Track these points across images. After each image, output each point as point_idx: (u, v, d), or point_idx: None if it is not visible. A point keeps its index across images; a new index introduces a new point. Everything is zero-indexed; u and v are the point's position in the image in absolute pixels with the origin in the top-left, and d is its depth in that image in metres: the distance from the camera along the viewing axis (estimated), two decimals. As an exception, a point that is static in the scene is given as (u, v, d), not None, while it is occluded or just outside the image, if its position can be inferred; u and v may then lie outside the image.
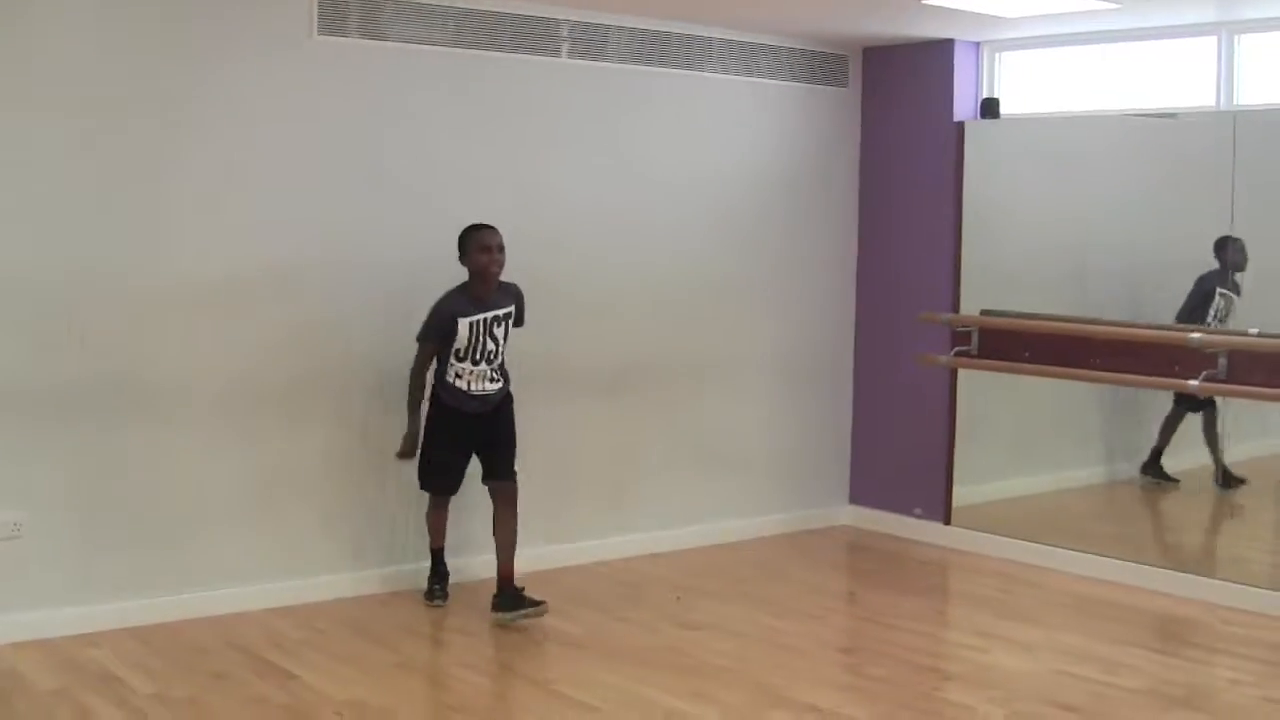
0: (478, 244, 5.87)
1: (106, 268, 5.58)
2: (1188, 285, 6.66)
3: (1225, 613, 6.18)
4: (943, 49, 7.33)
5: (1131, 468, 7.16)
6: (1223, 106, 6.53)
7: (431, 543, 6.24)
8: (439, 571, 6.23)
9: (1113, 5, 6.10)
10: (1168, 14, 6.41)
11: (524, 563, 6.05)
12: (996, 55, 7.37)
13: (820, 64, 7.59)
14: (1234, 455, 6.73)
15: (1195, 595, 6.38)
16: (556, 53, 6.65)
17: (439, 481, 6.11)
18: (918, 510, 7.57)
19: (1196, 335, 6.27)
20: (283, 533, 6.06)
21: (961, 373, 7.36)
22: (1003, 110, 7.31)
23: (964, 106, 7.35)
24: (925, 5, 6.23)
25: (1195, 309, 6.60)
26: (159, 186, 5.68)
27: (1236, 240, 6.42)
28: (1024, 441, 7.53)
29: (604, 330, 6.96)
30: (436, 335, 5.87)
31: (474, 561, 6.36)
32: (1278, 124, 6.41)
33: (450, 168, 6.40)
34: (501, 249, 5.89)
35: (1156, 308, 6.73)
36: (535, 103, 6.62)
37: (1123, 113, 6.94)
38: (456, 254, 5.90)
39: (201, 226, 5.79)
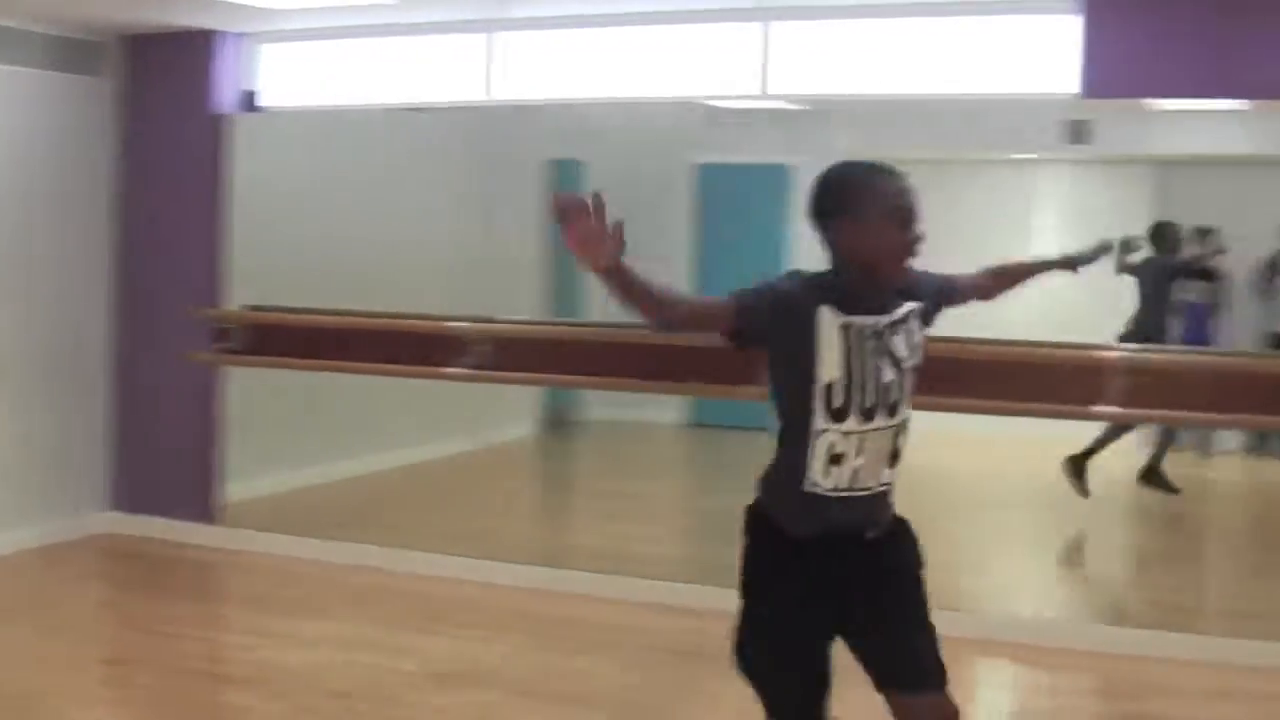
0: (885, 201, 2.95)
1: None
2: (452, 275, 6.92)
3: (475, 589, 6.45)
4: (204, 40, 7.11)
5: (405, 454, 7.37)
6: (489, 100, 6.76)
7: None
8: None
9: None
10: (435, 10, 6.58)
11: None
12: (262, 47, 7.26)
13: (71, 51, 7.11)
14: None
15: (467, 576, 6.61)
16: None
17: (786, 678, 3.09)
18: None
19: (458, 324, 6.52)
20: None
21: (236, 369, 7.20)
22: (276, 104, 7.19)
23: (228, 99, 7.20)
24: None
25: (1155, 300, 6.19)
26: None
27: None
28: (298, 435, 7.50)
29: None
30: (752, 316, 2.93)
31: None
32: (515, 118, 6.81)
33: None
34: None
35: (420, 296, 6.92)
36: None
37: (385, 106, 7.05)
38: (814, 217, 3.01)
39: None
